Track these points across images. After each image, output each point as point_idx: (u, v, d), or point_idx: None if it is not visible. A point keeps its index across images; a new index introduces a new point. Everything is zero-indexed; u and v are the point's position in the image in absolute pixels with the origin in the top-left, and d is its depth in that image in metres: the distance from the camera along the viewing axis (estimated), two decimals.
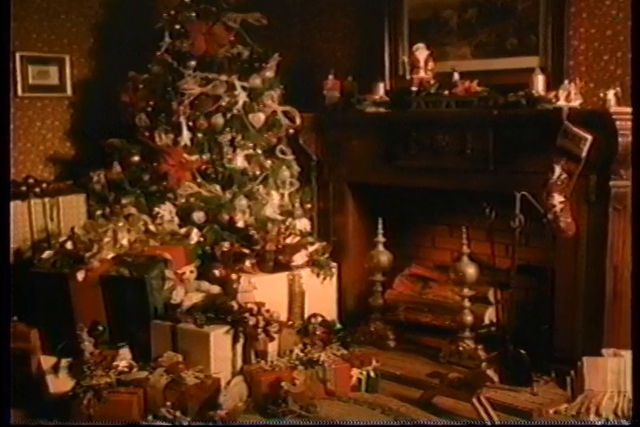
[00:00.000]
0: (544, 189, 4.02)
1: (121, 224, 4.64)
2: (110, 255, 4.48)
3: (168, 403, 3.84)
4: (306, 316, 4.67)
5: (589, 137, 3.88)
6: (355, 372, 4.29)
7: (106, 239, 4.52)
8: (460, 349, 4.50)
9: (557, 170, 4.00)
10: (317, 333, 4.55)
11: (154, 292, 4.36)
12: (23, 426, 3.07)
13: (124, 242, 4.56)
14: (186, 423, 3.79)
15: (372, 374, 4.30)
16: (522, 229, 4.12)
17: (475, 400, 3.88)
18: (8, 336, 3.22)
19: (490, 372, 3.87)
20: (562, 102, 4.05)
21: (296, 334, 4.53)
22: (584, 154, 3.91)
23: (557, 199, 4.00)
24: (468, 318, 4.51)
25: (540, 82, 4.20)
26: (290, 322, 4.61)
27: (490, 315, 4.69)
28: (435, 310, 4.89)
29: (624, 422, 3.56)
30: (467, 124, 4.44)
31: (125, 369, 4.12)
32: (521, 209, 4.07)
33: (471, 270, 4.47)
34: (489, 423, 3.83)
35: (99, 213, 4.84)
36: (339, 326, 4.68)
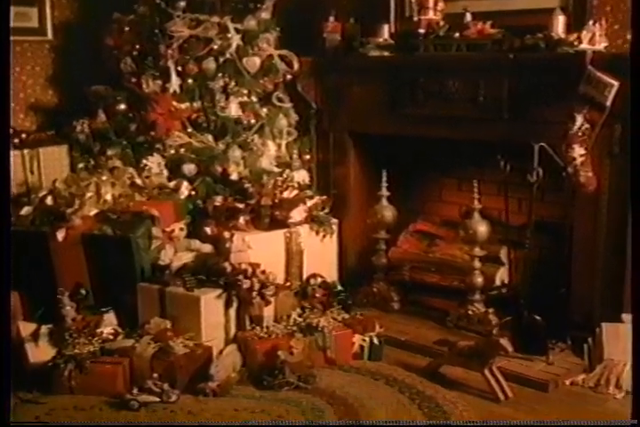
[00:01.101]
0: (564, 141, 3.75)
1: (104, 178, 4.36)
2: (93, 212, 4.20)
3: (155, 375, 3.57)
4: (304, 277, 4.44)
5: (615, 83, 3.58)
6: (357, 338, 4.03)
7: (88, 194, 4.24)
8: (470, 313, 4.24)
9: (579, 119, 3.72)
10: (317, 295, 4.30)
11: (140, 252, 4.08)
12: (23, 426, 2.85)
13: (108, 197, 4.29)
14: (175, 397, 3.51)
15: (375, 340, 4.03)
16: (540, 183, 3.86)
17: (486, 371, 3.61)
18: (8, 336, 3.03)
19: (504, 341, 3.59)
20: (585, 45, 3.75)
21: (294, 297, 4.28)
22: (609, 102, 3.62)
23: (578, 151, 3.74)
24: (479, 280, 4.24)
25: (560, 23, 3.88)
26: (287, 283, 4.35)
27: (501, 276, 4.42)
28: (442, 269, 4.62)
29: None
30: (479, 69, 4.14)
31: (110, 337, 3.85)
32: (539, 162, 3.81)
33: (483, 228, 4.20)
34: (501, 396, 3.56)
35: (81, 165, 4.55)
36: (339, 287, 4.43)
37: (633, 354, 2.76)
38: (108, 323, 3.92)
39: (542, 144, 3.78)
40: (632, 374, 2.73)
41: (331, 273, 4.59)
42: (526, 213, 4.15)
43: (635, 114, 3.05)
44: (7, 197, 3.23)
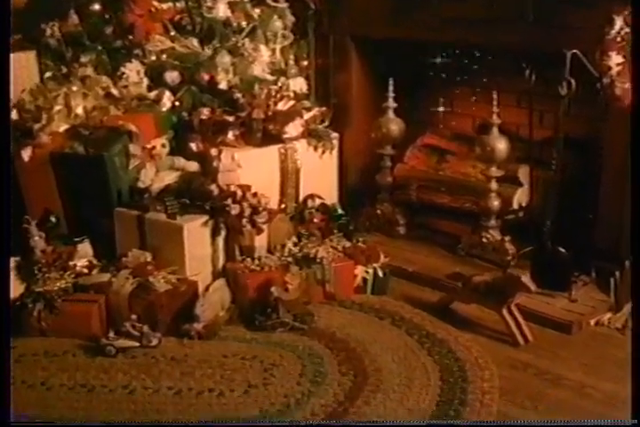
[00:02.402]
0: (599, 47, 3.34)
1: (75, 88, 3.90)
2: (63, 127, 3.78)
3: (133, 316, 3.20)
4: (301, 198, 4.07)
5: None
6: (359, 271, 3.66)
7: (57, 107, 3.80)
8: (484, 240, 3.88)
9: (618, 23, 3.30)
10: (315, 220, 3.93)
11: (116, 172, 3.66)
12: (23, 425, 2.63)
13: (79, 111, 3.85)
14: (155, 341, 3.15)
15: (379, 272, 3.66)
16: (571, 95, 3.46)
17: (504, 311, 3.24)
18: (8, 337, 2.73)
19: (525, 278, 3.21)
20: None
21: (289, 222, 3.89)
22: None
23: (615, 60, 3.34)
24: (495, 204, 3.85)
25: None
26: (282, 206, 3.97)
27: (519, 198, 4.01)
28: (453, 189, 4.22)
29: None
30: None
31: (84, 270, 3.47)
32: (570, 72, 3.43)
33: (501, 146, 3.78)
34: (520, 340, 3.21)
35: (48, 74, 4.07)
36: (340, 211, 4.04)
37: (633, 354, 2.44)
38: (83, 254, 3.54)
39: (575, 51, 3.37)
40: (632, 374, 2.42)
41: (330, 194, 4.22)
42: (548, 127, 3.82)
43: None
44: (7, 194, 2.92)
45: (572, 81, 3.40)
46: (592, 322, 3.38)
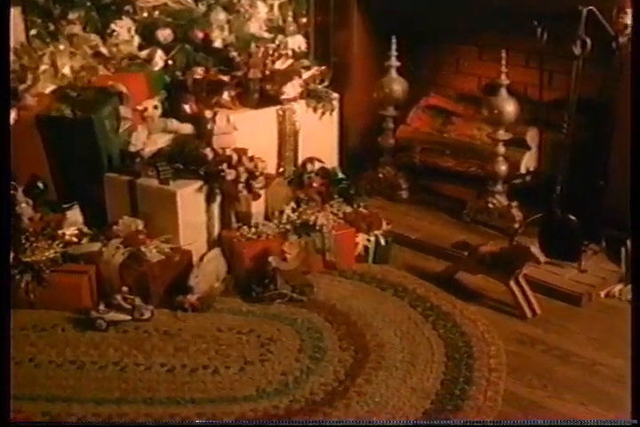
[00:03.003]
0: (615, 4, 3.24)
1: (62, 47, 3.73)
2: (49, 89, 3.62)
3: (124, 288, 3.06)
4: (300, 162, 3.95)
5: None
6: (360, 238, 3.53)
7: (43, 67, 3.64)
8: (490, 206, 3.77)
9: None
10: (314, 184, 3.82)
11: (107, 135, 3.51)
12: (23, 425, 2.52)
13: (66, 70, 3.68)
14: (148, 314, 3.03)
15: (381, 240, 3.52)
16: (585, 55, 3.32)
17: (512, 282, 3.12)
18: (8, 336, 2.59)
19: (535, 249, 3.08)
20: None
21: (287, 187, 3.76)
22: None
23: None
24: (502, 168, 3.73)
25: None
26: (280, 170, 3.83)
27: (527, 162, 3.86)
28: (458, 152, 4.08)
29: None
30: None
31: (74, 239, 3.32)
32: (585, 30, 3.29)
33: (510, 107, 3.64)
34: (528, 312, 3.08)
35: (33, 32, 3.88)
36: (340, 175, 3.89)
37: (632, 354, 2.30)
38: (72, 222, 3.40)
39: (591, 8, 3.20)
40: (631, 374, 2.30)
41: (330, 158, 4.11)
42: (558, 88, 3.68)
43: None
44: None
45: (588, 40, 3.24)
46: (602, 294, 3.27)
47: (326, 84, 4.18)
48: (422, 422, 2.47)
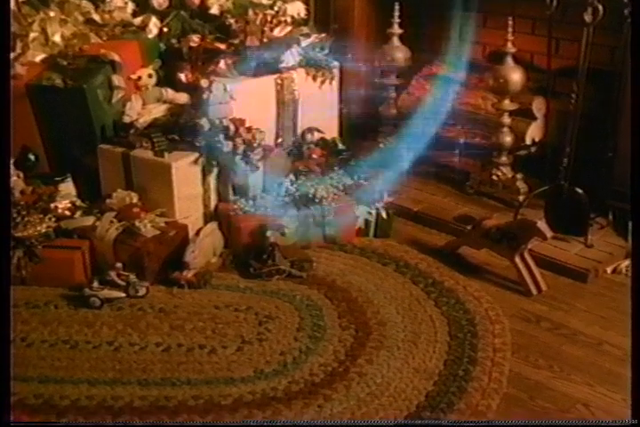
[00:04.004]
0: None
1: (53, 14, 3.63)
2: (39, 57, 3.54)
3: (118, 264, 2.98)
4: (299, 132, 3.84)
5: None
6: (361, 211, 3.43)
7: (32, 35, 3.55)
8: (494, 177, 3.69)
9: None
10: (314, 156, 3.70)
11: (100, 105, 3.42)
12: (23, 426, 2.45)
13: (57, 38, 3.59)
14: (143, 291, 2.95)
15: (382, 213, 3.43)
16: (596, 23, 3.19)
17: (517, 258, 3.04)
18: (8, 337, 2.55)
19: (542, 225, 3.00)
20: None
21: (286, 158, 3.65)
22: None
23: None
24: (507, 140, 3.66)
25: None
26: (279, 140, 3.73)
27: (532, 133, 3.75)
28: (461, 122, 3.98)
29: None
30: None
31: (67, 213, 3.24)
32: None
33: (516, 76, 3.59)
34: (533, 289, 3.01)
35: None
36: (341, 146, 3.78)
37: (632, 353, 2.24)
38: (65, 195, 3.31)
39: None
40: (631, 374, 2.24)
41: (331, 128, 3.96)
42: (565, 56, 3.59)
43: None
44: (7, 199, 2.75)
45: (600, 7, 3.11)
46: (609, 270, 3.20)
47: (326, 51, 4.03)
48: (420, 421, 2.38)
